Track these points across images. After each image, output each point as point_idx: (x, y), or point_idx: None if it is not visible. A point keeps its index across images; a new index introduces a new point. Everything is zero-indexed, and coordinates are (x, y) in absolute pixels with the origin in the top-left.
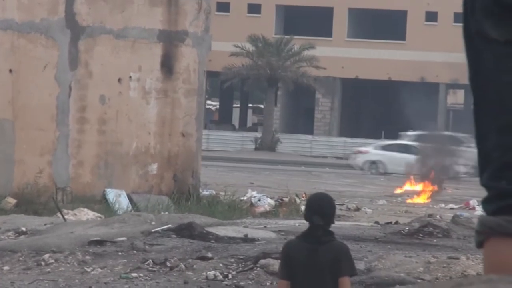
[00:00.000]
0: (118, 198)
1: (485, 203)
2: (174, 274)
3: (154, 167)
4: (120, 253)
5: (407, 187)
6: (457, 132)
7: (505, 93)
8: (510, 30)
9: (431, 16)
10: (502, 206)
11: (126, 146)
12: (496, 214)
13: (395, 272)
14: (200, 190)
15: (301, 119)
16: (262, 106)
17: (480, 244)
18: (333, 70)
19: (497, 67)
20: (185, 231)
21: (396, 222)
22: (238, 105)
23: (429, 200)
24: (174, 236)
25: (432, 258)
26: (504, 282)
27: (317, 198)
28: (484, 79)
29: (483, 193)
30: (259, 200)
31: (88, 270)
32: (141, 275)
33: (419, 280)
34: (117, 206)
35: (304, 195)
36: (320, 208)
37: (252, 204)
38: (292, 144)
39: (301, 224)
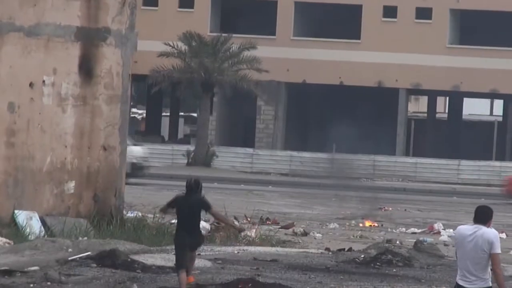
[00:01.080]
0: (30, 221)
1: None
2: None
3: (71, 186)
4: (31, 285)
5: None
6: (420, 144)
7: None
8: None
9: (390, 12)
10: None
11: (39, 161)
12: None
13: None
14: (124, 212)
15: (241, 130)
16: (195, 114)
17: None
18: (277, 74)
19: None
20: (107, 259)
21: (350, 249)
22: (168, 114)
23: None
24: (94, 265)
25: None
26: None
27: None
28: None
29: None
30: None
31: None
32: None
33: None
34: (28, 230)
35: (247, 219)
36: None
37: None
38: (230, 158)
39: (241, 251)
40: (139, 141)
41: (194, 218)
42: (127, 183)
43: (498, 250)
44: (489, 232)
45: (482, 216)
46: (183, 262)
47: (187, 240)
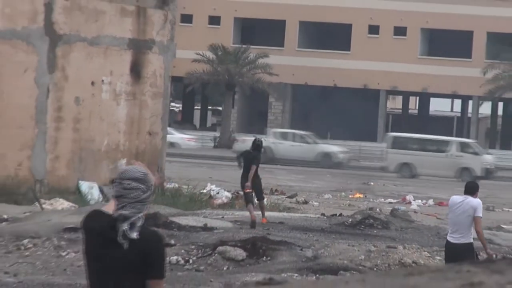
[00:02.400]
0: (91, 189)
1: None
2: None
3: (123, 162)
4: None
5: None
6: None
7: None
8: None
9: (374, 29)
10: None
11: (98, 143)
12: None
13: (339, 259)
14: (165, 184)
15: (256, 120)
16: (220, 108)
17: None
18: (284, 77)
19: None
20: (150, 220)
21: (340, 215)
22: (199, 107)
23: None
24: None
25: (372, 247)
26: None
27: None
28: None
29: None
30: (218, 193)
31: (63, 254)
32: None
33: (360, 267)
34: (89, 197)
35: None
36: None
37: (211, 197)
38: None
39: (255, 215)
40: (177, 129)
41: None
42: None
43: (480, 214)
44: (474, 200)
45: (470, 189)
46: (249, 199)
47: (244, 181)
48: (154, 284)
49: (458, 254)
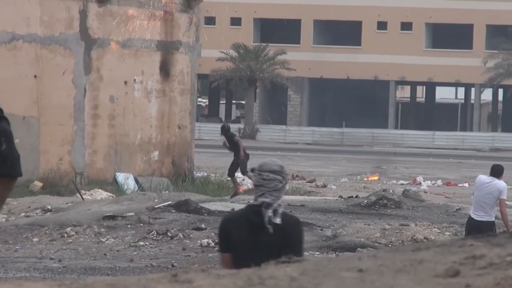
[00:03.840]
0: (127, 180)
1: None
2: (174, 242)
3: (155, 154)
4: (129, 226)
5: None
6: (405, 120)
7: None
8: None
9: (382, 25)
10: None
11: (132, 137)
12: None
13: (356, 237)
14: (194, 173)
15: (276, 112)
16: (243, 102)
17: None
18: (301, 71)
19: None
20: (182, 206)
21: (357, 196)
22: (224, 102)
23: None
24: (174, 211)
25: (386, 225)
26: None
27: None
28: None
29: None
30: (243, 180)
31: (103, 240)
32: (147, 243)
33: (376, 244)
34: (125, 187)
35: None
36: None
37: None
38: (269, 133)
39: None
40: (204, 122)
41: None
42: None
43: (504, 196)
44: (500, 183)
45: (496, 172)
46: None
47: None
48: None
49: (479, 231)
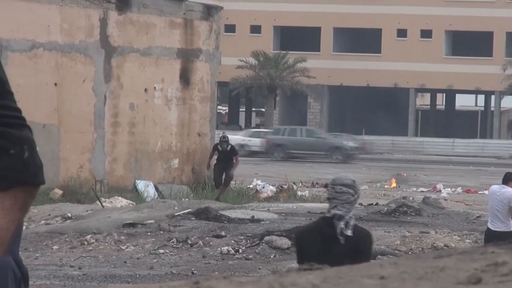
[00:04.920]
0: (147, 188)
1: None
2: (194, 250)
3: (175, 162)
4: (149, 233)
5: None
6: (425, 127)
7: None
8: None
9: (402, 33)
10: None
11: (152, 145)
12: None
13: (377, 245)
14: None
15: (296, 120)
16: (263, 109)
17: None
18: (321, 79)
19: None
20: (202, 214)
21: (377, 204)
22: (244, 109)
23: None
24: (194, 218)
25: (407, 232)
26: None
27: None
28: None
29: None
30: (263, 187)
31: (123, 247)
32: (167, 251)
33: (396, 251)
34: (145, 194)
35: (302, 183)
36: None
37: (257, 191)
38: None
39: (298, 207)
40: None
41: None
42: None
43: None
44: (509, 190)
45: (505, 179)
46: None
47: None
48: None
49: (497, 241)
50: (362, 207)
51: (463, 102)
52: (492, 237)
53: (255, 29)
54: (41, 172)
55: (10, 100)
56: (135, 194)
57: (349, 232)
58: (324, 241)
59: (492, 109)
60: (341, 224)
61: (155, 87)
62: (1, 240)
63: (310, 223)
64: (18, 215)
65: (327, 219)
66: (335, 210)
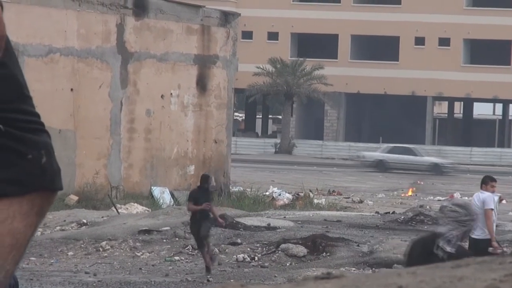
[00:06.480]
0: (162, 194)
1: None
2: None
3: (191, 168)
4: (164, 240)
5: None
6: (442, 136)
7: None
8: None
9: (420, 41)
10: None
11: (168, 151)
12: None
13: (393, 253)
14: (230, 187)
15: (313, 127)
16: (280, 116)
17: None
18: (338, 86)
19: None
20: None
21: (393, 212)
22: (261, 116)
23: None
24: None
25: None
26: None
27: None
28: None
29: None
30: (279, 195)
31: (138, 254)
32: (182, 258)
33: None
34: (161, 201)
35: (318, 191)
36: None
37: (273, 198)
38: (305, 148)
39: (314, 214)
40: (240, 136)
41: None
42: None
43: (488, 206)
44: (481, 194)
45: (482, 183)
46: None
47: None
48: None
49: (480, 249)
50: (379, 215)
51: (481, 110)
52: (471, 245)
53: (273, 35)
54: (59, 177)
55: (28, 105)
56: (150, 201)
57: (448, 249)
58: (428, 255)
59: (510, 118)
60: (441, 242)
61: (171, 93)
62: (18, 244)
63: (425, 235)
64: (35, 220)
65: (435, 235)
66: (440, 227)
